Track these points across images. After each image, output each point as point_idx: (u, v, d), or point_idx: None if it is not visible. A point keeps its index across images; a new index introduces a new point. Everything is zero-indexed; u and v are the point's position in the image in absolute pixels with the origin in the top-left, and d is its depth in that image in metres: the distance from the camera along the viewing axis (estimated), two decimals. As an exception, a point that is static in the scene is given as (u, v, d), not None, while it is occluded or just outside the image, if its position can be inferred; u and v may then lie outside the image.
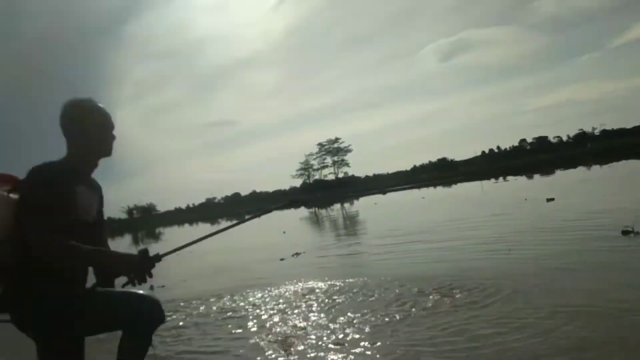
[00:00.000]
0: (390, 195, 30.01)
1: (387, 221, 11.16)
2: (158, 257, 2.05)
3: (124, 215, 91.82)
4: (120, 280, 2.06)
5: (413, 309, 3.23)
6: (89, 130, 2.11)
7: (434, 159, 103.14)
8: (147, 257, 1.98)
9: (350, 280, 4.47)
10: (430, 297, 3.45)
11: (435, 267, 4.54)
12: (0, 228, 1.90)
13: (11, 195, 2.00)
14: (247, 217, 2.26)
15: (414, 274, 4.28)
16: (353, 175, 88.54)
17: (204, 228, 30.34)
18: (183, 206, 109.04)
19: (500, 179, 25.68)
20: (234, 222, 2.30)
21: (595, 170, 18.43)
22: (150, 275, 1.99)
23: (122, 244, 22.41)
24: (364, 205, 24.13)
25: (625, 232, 4.45)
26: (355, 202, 32.33)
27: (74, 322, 2.01)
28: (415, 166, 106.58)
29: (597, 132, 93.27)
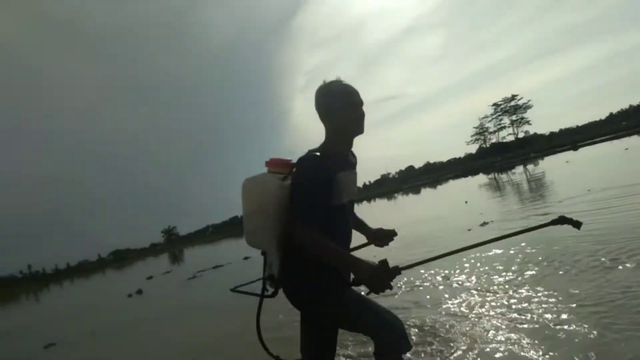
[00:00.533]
0: (583, 150, 26.73)
1: (582, 180, 10.07)
2: (398, 270, 2.08)
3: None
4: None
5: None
6: (343, 113, 2.23)
7: (635, 102, 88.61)
8: (387, 268, 2.03)
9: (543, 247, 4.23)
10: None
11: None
12: (281, 210, 2.18)
13: (285, 181, 2.25)
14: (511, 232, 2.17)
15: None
16: (535, 134, 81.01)
17: (381, 204, 31.10)
18: (360, 185, 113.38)
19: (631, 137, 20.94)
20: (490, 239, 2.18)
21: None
22: (390, 287, 2.02)
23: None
24: (552, 165, 22.03)
25: None
26: (540, 162, 29.68)
27: (331, 312, 2.21)
28: (611, 114, 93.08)
29: None
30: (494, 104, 78.55)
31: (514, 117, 78.30)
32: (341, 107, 2.24)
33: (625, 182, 7.28)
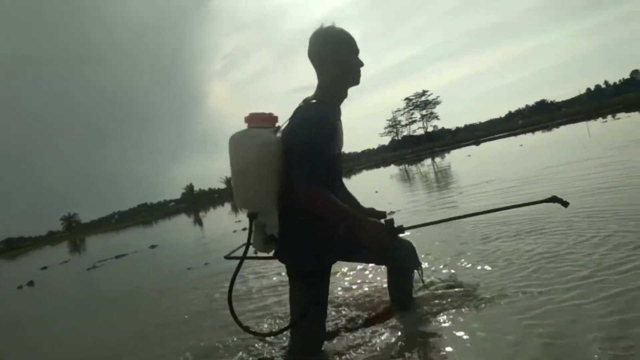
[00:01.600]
0: (485, 145, 28.67)
1: (480, 172, 10.73)
2: (402, 229, 2.16)
3: (223, 185, 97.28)
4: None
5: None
6: (348, 59, 2.15)
7: (531, 102, 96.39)
8: (392, 228, 2.12)
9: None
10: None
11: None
12: (277, 167, 2.07)
13: (278, 134, 2.15)
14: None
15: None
16: (443, 128, 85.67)
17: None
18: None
19: (609, 117, 23.47)
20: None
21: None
22: (392, 243, 2.15)
23: (224, 212, 23.83)
24: (456, 158, 23.36)
25: None
26: (447, 155, 31.36)
27: (329, 257, 2.25)
28: (510, 112, 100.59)
29: None
30: (406, 99, 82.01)
31: (424, 112, 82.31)
32: (347, 52, 2.15)
33: (518, 174, 7.84)
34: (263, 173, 2.05)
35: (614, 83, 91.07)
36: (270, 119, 2.17)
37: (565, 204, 2.22)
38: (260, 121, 2.14)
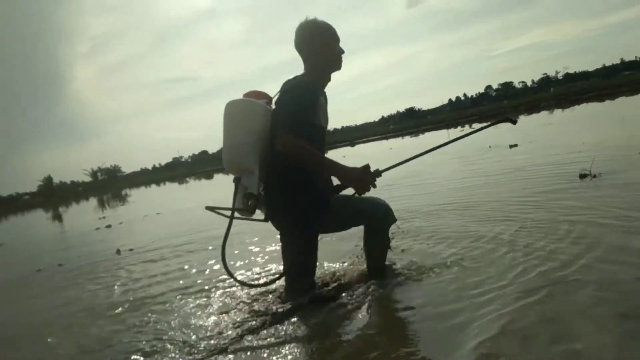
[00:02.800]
0: (359, 147, 30.04)
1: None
2: (378, 173, 2.34)
3: (87, 178, 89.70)
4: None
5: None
6: (332, 48, 2.45)
7: (401, 109, 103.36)
8: (368, 171, 2.29)
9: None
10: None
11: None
12: (265, 132, 2.35)
13: (268, 106, 2.45)
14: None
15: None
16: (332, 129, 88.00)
17: (171, 187, 29.91)
18: (149, 166, 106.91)
19: (467, 126, 25.98)
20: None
21: (558, 114, 18.82)
22: (375, 186, 2.29)
23: (88, 207, 21.94)
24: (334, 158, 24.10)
25: (582, 176, 4.55)
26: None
27: (320, 219, 2.43)
28: (383, 117, 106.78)
29: (560, 75, 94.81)
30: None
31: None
32: (331, 42, 2.44)
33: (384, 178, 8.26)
34: (251, 136, 2.34)
35: (471, 96, 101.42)
36: (264, 95, 2.47)
37: (514, 122, 2.57)
38: (255, 97, 2.43)
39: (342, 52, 2.48)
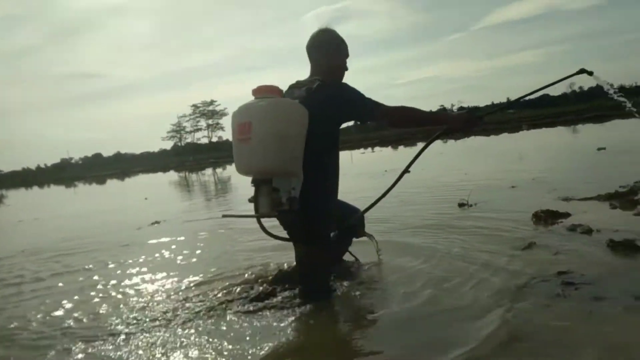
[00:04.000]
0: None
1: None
2: (480, 117, 2.79)
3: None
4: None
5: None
6: (343, 65, 2.68)
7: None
8: (473, 114, 2.76)
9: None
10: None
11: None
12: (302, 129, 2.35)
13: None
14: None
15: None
16: (227, 140, 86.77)
17: (57, 190, 27.65)
18: (32, 166, 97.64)
19: (370, 149, 27.07)
20: None
21: (450, 145, 20.28)
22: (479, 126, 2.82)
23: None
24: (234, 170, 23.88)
25: (460, 205, 4.99)
26: (228, 167, 31.85)
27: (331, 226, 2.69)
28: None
29: (455, 108, 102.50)
30: (194, 105, 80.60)
31: (210, 121, 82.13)
32: (345, 59, 2.69)
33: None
34: (297, 140, 2.33)
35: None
36: (278, 91, 2.44)
37: (590, 73, 2.74)
38: (269, 92, 2.37)
39: (347, 69, 2.71)
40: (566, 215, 3.89)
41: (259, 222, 2.52)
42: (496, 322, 2.12)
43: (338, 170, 2.62)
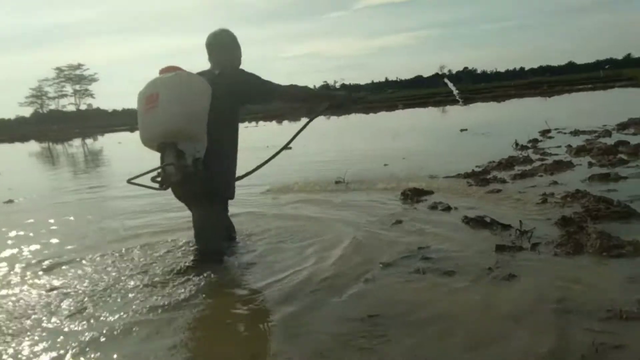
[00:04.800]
0: (138, 133, 28.25)
1: (130, 163, 10.49)
2: (358, 97, 3.42)
3: None
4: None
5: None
6: (240, 56, 3.04)
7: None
8: (351, 94, 3.33)
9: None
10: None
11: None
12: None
13: None
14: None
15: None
16: (99, 108, 79.97)
17: None
18: None
19: (254, 123, 26.82)
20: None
21: (333, 120, 20.84)
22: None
23: None
24: (108, 143, 22.32)
25: (337, 182, 5.16)
26: (100, 137, 29.57)
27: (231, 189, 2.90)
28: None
29: (337, 85, 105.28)
30: (58, 68, 72.62)
31: (77, 87, 74.75)
32: (240, 47, 3.05)
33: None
34: (205, 103, 2.62)
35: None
36: (180, 69, 2.69)
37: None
38: (173, 71, 2.64)
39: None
40: (430, 193, 4.22)
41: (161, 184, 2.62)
42: (355, 297, 2.24)
43: (237, 142, 2.92)
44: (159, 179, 2.57)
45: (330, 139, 12.14)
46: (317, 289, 2.37)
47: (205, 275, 2.61)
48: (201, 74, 2.84)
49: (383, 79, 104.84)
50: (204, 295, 2.40)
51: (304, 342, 1.90)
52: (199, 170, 2.58)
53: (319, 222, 3.65)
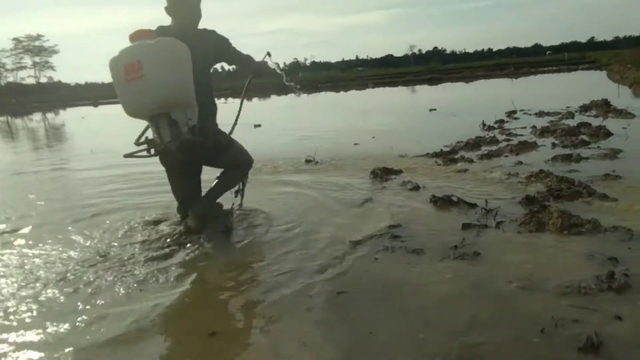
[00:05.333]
0: (103, 108, 27.42)
1: (89, 140, 10.19)
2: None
3: None
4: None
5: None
6: (200, 8, 2.96)
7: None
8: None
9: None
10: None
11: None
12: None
13: None
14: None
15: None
16: (60, 82, 76.94)
17: None
18: None
19: (222, 99, 26.39)
20: None
21: (303, 99, 20.68)
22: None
23: None
24: (71, 117, 21.58)
25: (307, 161, 5.15)
26: (62, 112, 28.50)
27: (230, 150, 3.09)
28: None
29: (308, 62, 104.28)
30: (15, 39, 69.14)
31: (37, 59, 71.48)
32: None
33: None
34: (190, 67, 2.60)
35: (228, 70, 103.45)
36: (153, 34, 2.66)
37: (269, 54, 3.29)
38: (146, 36, 2.57)
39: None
40: (399, 172, 4.26)
41: (149, 150, 2.77)
42: (325, 275, 2.26)
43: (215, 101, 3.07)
44: (151, 149, 2.74)
45: (300, 118, 12.07)
46: (287, 270, 2.38)
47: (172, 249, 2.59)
48: (166, 31, 2.78)
49: (354, 57, 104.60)
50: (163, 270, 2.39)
51: (269, 319, 1.92)
52: (198, 141, 2.68)
53: (288, 201, 3.65)
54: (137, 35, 2.57)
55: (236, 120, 3.29)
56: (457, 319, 1.80)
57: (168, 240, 2.88)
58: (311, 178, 4.39)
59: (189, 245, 2.78)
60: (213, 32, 2.96)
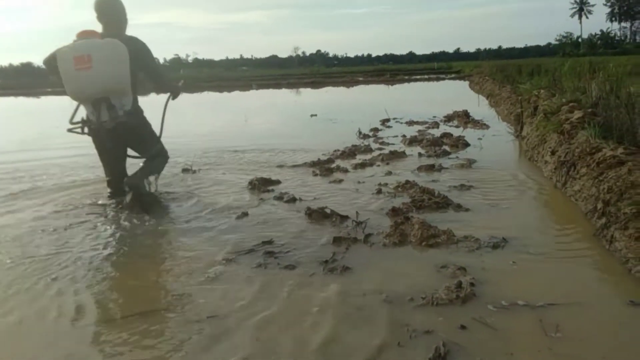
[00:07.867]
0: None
1: None
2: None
3: None
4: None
5: None
6: (125, 16, 3.60)
7: (16, 62, 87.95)
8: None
9: None
10: None
11: None
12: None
13: None
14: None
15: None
16: None
17: None
18: None
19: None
20: None
21: (183, 98, 19.90)
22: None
23: None
24: None
25: (185, 170, 4.99)
26: None
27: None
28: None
29: (190, 59, 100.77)
30: None
31: None
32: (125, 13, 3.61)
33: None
34: (128, 63, 3.30)
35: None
36: (97, 34, 3.38)
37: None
38: (91, 35, 3.30)
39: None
40: (277, 182, 4.31)
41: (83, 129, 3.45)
42: (195, 298, 2.22)
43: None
44: (84, 127, 3.41)
45: (177, 121, 11.63)
46: (157, 288, 2.29)
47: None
48: (101, 34, 3.41)
49: (238, 56, 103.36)
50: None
51: (141, 347, 1.83)
52: (130, 123, 3.43)
53: (161, 212, 3.51)
54: (85, 34, 3.29)
55: (161, 129, 3.92)
56: (317, 338, 1.86)
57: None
58: (185, 188, 4.26)
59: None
60: (141, 40, 3.57)
